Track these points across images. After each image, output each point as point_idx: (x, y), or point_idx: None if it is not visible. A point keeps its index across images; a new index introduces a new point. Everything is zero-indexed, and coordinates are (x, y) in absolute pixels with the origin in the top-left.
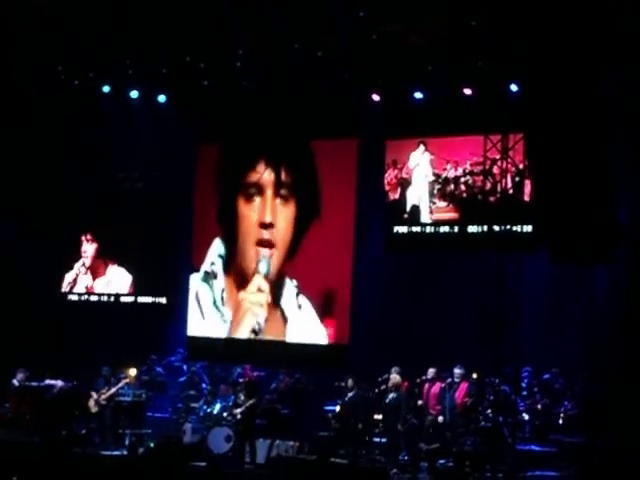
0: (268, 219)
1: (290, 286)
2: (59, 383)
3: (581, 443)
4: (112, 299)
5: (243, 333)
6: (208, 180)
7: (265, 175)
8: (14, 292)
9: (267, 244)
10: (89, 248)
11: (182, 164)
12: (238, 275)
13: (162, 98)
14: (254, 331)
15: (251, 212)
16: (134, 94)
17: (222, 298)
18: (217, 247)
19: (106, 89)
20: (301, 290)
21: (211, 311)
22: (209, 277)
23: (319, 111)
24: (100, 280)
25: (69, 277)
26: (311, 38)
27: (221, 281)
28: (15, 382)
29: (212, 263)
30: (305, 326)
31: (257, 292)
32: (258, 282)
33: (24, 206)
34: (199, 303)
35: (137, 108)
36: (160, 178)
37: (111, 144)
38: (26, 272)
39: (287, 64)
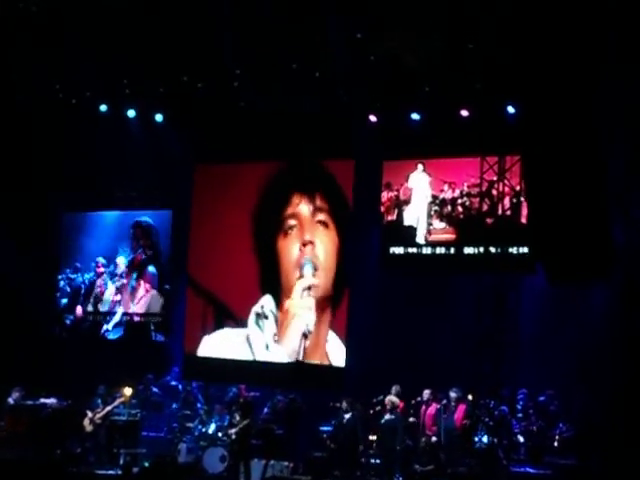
0: (308, 237)
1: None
2: (54, 402)
3: (575, 465)
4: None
5: (293, 338)
6: (205, 199)
7: (301, 206)
8: (9, 310)
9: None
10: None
11: (179, 183)
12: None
13: (159, 117)
14: (304, 334)
15: (291, 244)
16: (131, 113)
17: (274, 341)
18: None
19: (103, 108)
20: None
21: (263, 352)
22: (260, 318)
23: (315, 131)
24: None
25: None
26: (309, 58)
27: (272, 323)
28: (10, 400)
29: (262, 306)
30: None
31: (303, 297)
32: (304, 283)
33: (21, 223)
34: (250, 345)
35: (134, 127)
36: (157, 197)
37: (108, 163)
38: (22, 289)
39: (284, 84)
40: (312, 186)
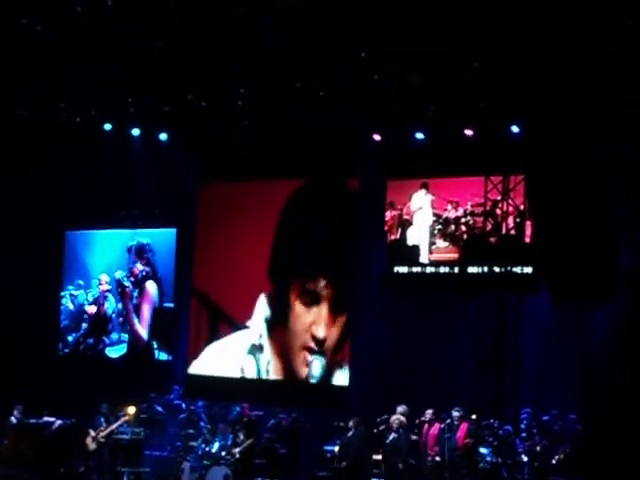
0: (322, 334)
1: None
2: (57, 420)
3: None
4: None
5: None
6: (210, 217)
7: (323, 289)
8: (12, 327)
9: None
10: None
11: (183, 202)
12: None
13: (163, 136)
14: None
15: (306, 314)
16: (135, 132)
17: (267, 371)
18: (263, 307)
19: (107, 127)
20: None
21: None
22: (255, 350)
23: (319, 150)
24: None
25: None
26: (312, 78)
27: (267, 354)
28: (13, 419)
29: (260, 336)
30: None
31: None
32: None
33: (24, 241)
34: (243, 372)
35: (138, 146)
36: (161, 215)
37: (112, 181)
38: (24, 307)
39: (288, 103)
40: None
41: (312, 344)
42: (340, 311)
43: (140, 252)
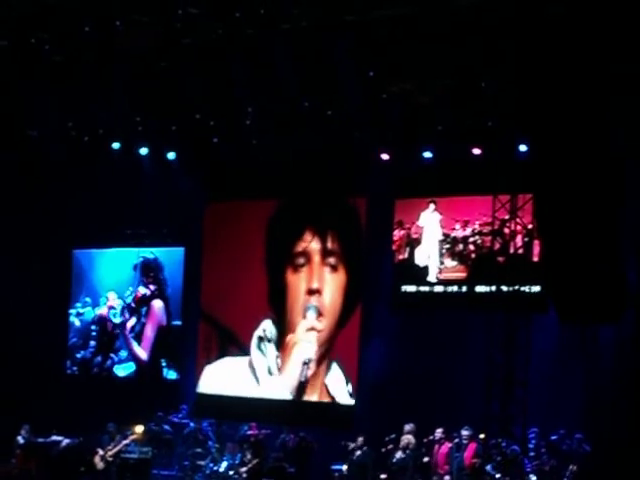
0: (315, 285)
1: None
2: (65, 439)
3: None
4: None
5: (294, 367)
6: (218, 236)
7: (312, 244)
8: (19, 346)
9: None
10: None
11: (190, 221)
12: (282, 348)
13: (171, 155)
14: (305, 363)
15: (299, 282)
16: (144, 151)
17: (277, 365)
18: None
19: (116, 146)
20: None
21: (267, 378)
22: (262, 342)
23: (328, 169)
24: None
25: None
26: (321, 97)
27: (274, 347)
28: (21, 438)
29: (264, 330)
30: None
31: (307, 331)
32: (307, 324)
33: (32, 259)
34: (254, 370)
35: (146, 165)
36: (168, 234)
37: (120, 200)
38: (32, 325)
39: (296, 123)
40: (326, 223)
41: (309, 301)
42: (334, 268)
43: (146, 270)
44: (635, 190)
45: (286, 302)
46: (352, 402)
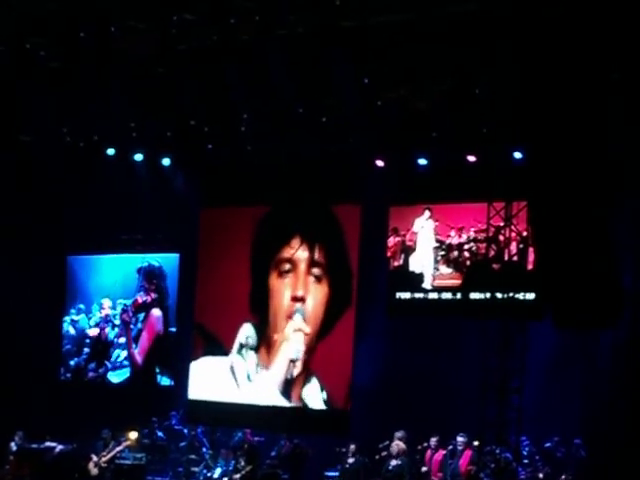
0: (300, 293)
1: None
2: (59, 445)
3: None
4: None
5: (281, 364)
6: (212, 242)
7: (299, 252)
8: (13, 352)
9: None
10: None
11: (186, 227)
12: (269, 349)
13: (166, 161)
14: (292, 361)
15: (283, 288)
16: (138, 157)
17: (257, 372)
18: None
19: (110, 152)
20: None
21: (246, 383)
22: (244, 348)
23: (323, 176)
24: None
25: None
26: (315, 103)
27: (254, 354)
28: (14, 444)
29: (247, 337)
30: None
31: (294, 332)
32: (294, 325)
33: (26, 266)
34: (234, 374)
35: (141, 171)
36: (163, 240)
37: (115, 206)
38: (26, 332)
39: (291, 129)
40: (315, 233)
41: (294, 307)
42: (318, 279)
43: (149, 276)
44: (629, 194)
45: (270, 306)
46: (324, 408)
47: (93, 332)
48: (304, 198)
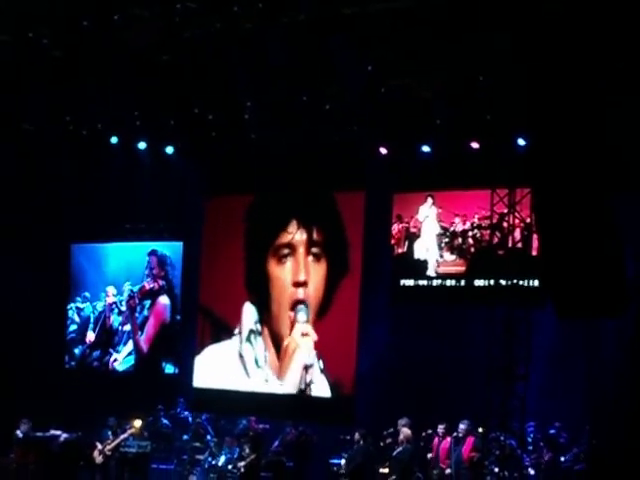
0: (302, 278)
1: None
2: (64, 434)
3: None
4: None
5: (295, 371)
6: (217, 230)
7: (297, 236)
8: (18, 341)
9: (302, 302)
10: None
11: (189, 216)
12: (273, 337)
13: (170, 149)
14: (306, 367)
15: (284, 273)
16: (142, 145)
17: (265, 358)
18: (251, 311)
19: (114, 140)
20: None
21: (255, 370)
22: (253, 334)
23: (326, 163)
24: None
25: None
26: (319, 91)
27: (261, 340)
28: (19, 433)
29: (255, 322)
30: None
31: (302, 336)
32: (300, 329)
33: (30, 254)
34: (243, 361)
35: (145, 159)
36: (167, 229)
37: (119, 194)
38: (31, 320)
39: (295, 117)
40: (312, 217)
41: (297, 293)
42: (317, 257)
43: (161, 263)
44: (633, 180)
45: (270, 293)
46: (329, 395)
47: (97, 322)
48: (304, 185)
